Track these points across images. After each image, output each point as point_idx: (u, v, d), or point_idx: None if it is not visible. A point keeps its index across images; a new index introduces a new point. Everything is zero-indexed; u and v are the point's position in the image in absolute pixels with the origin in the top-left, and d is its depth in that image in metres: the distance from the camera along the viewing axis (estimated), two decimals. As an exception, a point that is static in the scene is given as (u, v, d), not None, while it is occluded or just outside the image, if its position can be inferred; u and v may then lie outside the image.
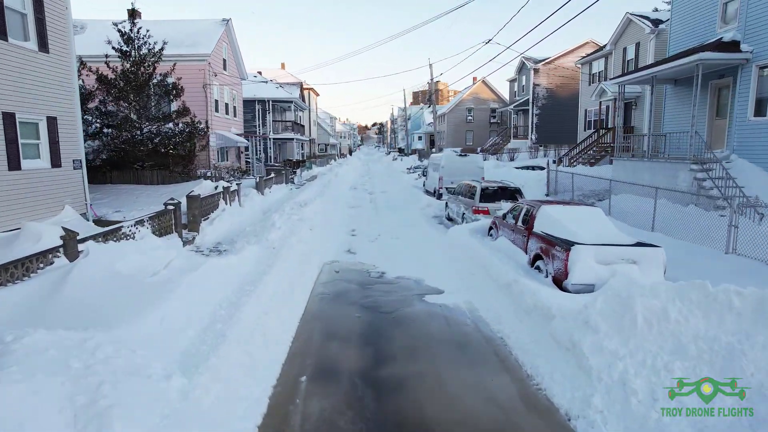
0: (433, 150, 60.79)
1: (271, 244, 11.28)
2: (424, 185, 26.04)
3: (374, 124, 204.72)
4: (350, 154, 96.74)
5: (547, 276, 8.67)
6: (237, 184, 17.97)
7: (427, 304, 8.91)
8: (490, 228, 12.79)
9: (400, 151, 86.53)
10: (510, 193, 15.16)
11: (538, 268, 9.19)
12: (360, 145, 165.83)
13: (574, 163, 24.46)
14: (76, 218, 11.23)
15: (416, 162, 51.35)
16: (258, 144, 35.95)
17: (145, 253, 9.09)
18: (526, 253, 9.92)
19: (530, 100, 40.61)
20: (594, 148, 24.93)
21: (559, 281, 8.22)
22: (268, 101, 35.47)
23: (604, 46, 27.74)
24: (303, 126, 42.08)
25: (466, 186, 16.60)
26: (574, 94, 39.84)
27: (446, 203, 18.60)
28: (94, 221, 12.85)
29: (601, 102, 25.47)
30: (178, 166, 16.85)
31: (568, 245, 8.15)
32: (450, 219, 18.04)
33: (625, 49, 24.57)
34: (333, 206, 20.44)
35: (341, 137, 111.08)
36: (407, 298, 9.26)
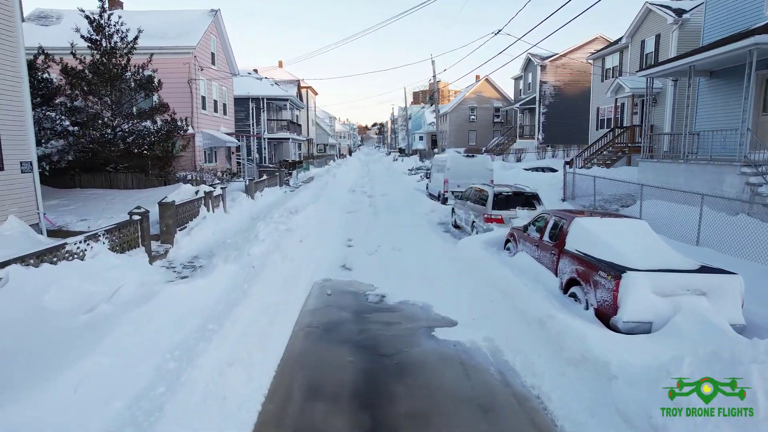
0: (435, 150, 59.07)
1: (250, 262, 9.57)
2: (427, 188, 24.33)
3: (374, 125, 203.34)
4: (350, 155, 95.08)
5: (587, 308, 6.96)
6: (222, 187, 16.27)
7: (437, 342, 7.20)
8: (507, 241, 11.09)
9: (401, 151, 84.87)
10: (527, 199, 13.46)
11: (573, 296, 7.48)
12: (360, 145, 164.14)
13: (589, 165, 22.75)
14: (22, 231, 9.52)
15: (417, 163, 49.69)
16: (252, 144, 34.23)
17: (89, 278, 7.39)
18: (557, 275, 8.22)
19: (537, 99, 38.91)
20: (609, 149, 23.23)
21: (605, 315, 6.53)
22: (263, 99, 33.77)
23: (619, 39, 26.04)
24: (300, 125, 40.39)
25: (475, 191, 14.90)
26: (584, 92, 38.16)
27: (453, 209, 16.90)
28: (50, 232, 11.14)
29: (616, 99, 23.77)
30: (156, 169, 15.17)
31: (617, 271, 6.44)
32: (457, 226, 16.35)
33: (643, 42, 22.86)
34: (328, 212, 18.75)
35: (341, 137, 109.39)
36: (413, 333, 7.55)
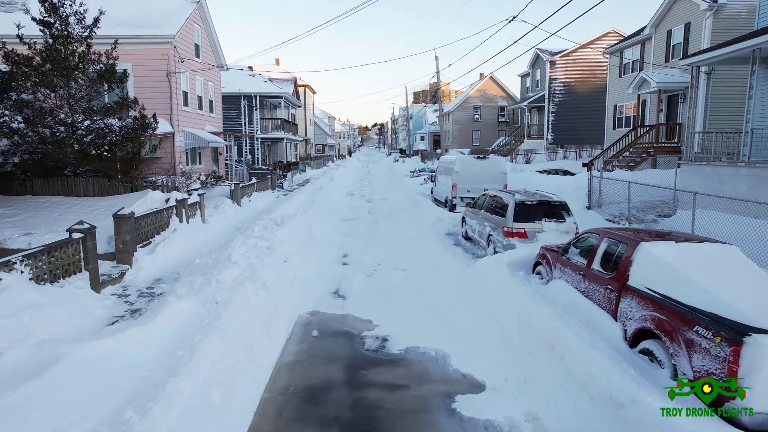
0: (438, 151, 57.03)
1: (215, 294, 7.50)
2: (432, 193, 22.25)
3: (375, 125, 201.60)
4: (349, 155, 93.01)
5: (675, 375, 4.89)
6: (200, 194, 14.20)
7: (461, 422, 5.12)
8: (538, 263, 9.02)
9: (402, 152, 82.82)
10: (553, 209, 11.38)
11: (648, 353, 5.41)
12: (360, 145, 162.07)
13: (610, 167, 20.67)
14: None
15: (420, 164, 47.62)
16: (244, 145, 32.19)
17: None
18: (616, 319, 6.15)
19: (546, 96, 36.83)
20: (630, 150, 21.15)
21: (709, 394, 4.44)
22: (255, 97, 31.70)
23: (640, 30, 23.95)
24: (296, 125, 38.33)
25: (491, 198, 12.84)
26: (597, 89, 36.12)
27: (463, 218, 14.84)
28: (-24, 252, 9.06)
29: (639, 95, 21.70)
30: (124, 173, 13.09)
31: (732, 332, 4.37)
32: (468, 238, 14.30)
33: (669, 32, 20.78)
34: (322, 220, 16.69)
35: (340, 137, 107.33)
36: (426, 403, 5.49)
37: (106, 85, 12.69)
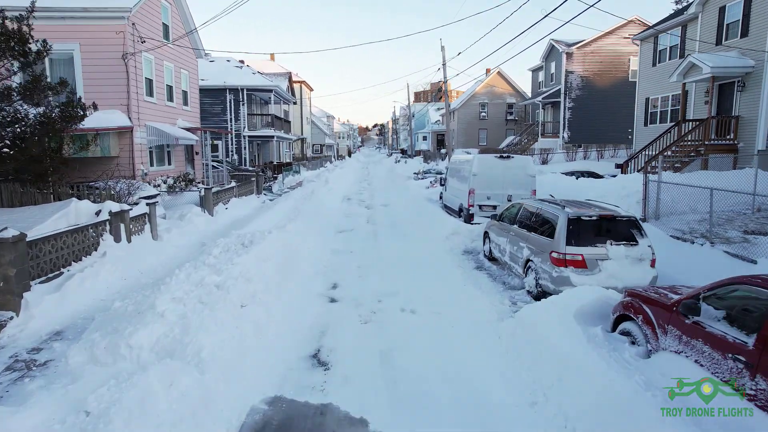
0: (443, 151, 53.86)
1: (97, 390, 4.37)
2: (441, 198, 19.10)
3: (375, 126, 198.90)
4: (349, 156, 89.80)
5: None
6: (151, 203, 11.08)
7: None
8: (624, 317, 5.90)
9: (403, 152, 79.74)
10: (621, 228, 8.24)
11: None
12: (360, 146, 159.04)
13: (654, 169, 17.54)
14: None
15: (424, 165, 44.52)
16: (230, 144, 29.06)
17: None
18: None
19: (561, 91, 33.68)
20: (674, 148, 18.01)
21: None
22: (242, 90, 28.56)
23: (682, 10, 20.81)
24: (289, 122, 35.18)
25: (528, 210, 9.74)
26: (619, 82, 33.04)
27: (486, 233, 11.72)
28: None
29: (684, 84, 18.53)
30: (39, 176, 9.94)
31: None
32: (491, 258, 11.24)
33: (723, 9, 17.62)
34: (310, 233, 13.57)
35: (339, 137, 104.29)
36: None
37: (14, 62, 9.55)
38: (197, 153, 20.73)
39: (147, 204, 10.97)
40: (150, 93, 16.67)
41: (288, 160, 38.52)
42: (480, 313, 7.88)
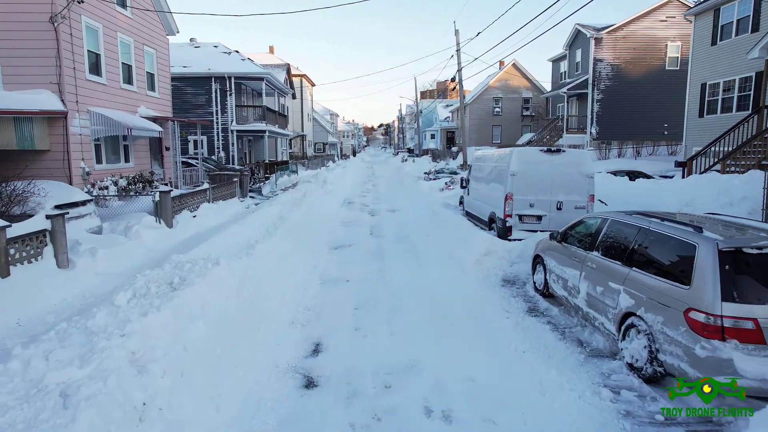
0: (453, 149, 50.29)
1: None
2: (462, 204, 15.57)
3: (380, 125, 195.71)
4: (353, 155, 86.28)
5: None
6: (58, 214, 7.63)
7: None
8: None
9: (410, 151, 76.22)
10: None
11: None
12: (366, 146, 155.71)
13: (732, 168, 13.93)
14: None
15: (434, 164, 41.00)
16: (217, 139, 25.65)
17: None
18: None
19: (589, 81, 30.03)
20: (756, 142, 14.37)
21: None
22: (230, 78, 25.12)
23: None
24: (285, 116, 31.72)
25: (621, 229, 6.26)
26: (655, 71, 29.40)
27: (538, 258, 8.24)
28: None
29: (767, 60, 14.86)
30: None
31: None
32: (548, 294, 7.82)
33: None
34: (293, 251, 10.17)
35: (344, 136, 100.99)
36: None
37: None
38: (167, 148, 17.28)
39: (49, 217, 7.49)
40: (96, 71, 13.23)
41: (285, 159, 35.07)
42: (565, 419, 4.36)
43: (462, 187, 15.08)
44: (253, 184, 23.37)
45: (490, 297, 8.14)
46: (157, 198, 11.65)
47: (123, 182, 13.09)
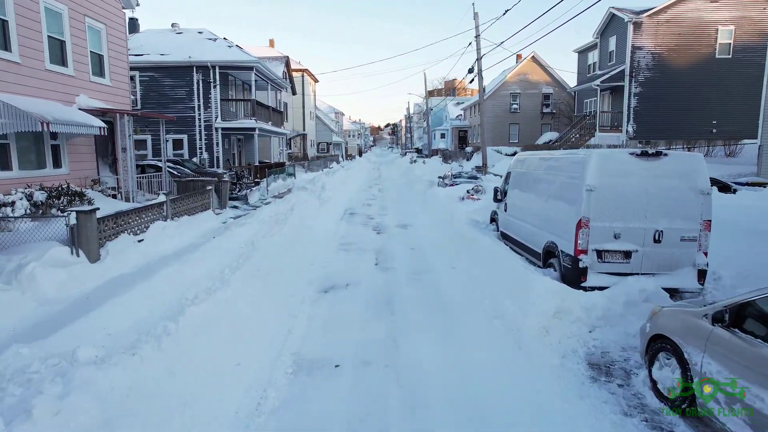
0: (467, 149, 46.61)
1: None
2: (493, 221, 11.97)
3: (387, 125, 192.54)
4: (359, 155, 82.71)
5: None
6: None
7: None
8: None
9: (418, 151, 72.65)
10: None
11: None
12: (372, 146, 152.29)
13: None
14: None
15: (445, 166, 37.41)
16: (200, 138, 22.25)
17: None
18: None
19: (626, 72, 26.33)
20: None
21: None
22: (214, 67, 21.68)
23: None
24: (281, 113, 28.22)
25: None
26: (703, 60, 25.71)
27: (678, 352, 4.57)
28: None
29: None
30: None
31: None
32: (690, 411, 3.99)
33: None
34: (255, 307, 6.68)
35: (349, 136, 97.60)
36: None
37: None
38: (124, 149, 13.82)
39: None
40: (3, 45, 9.78)
41: (282, 160, 31.63)
42: None
43: (496, 200, 11.47)
44: (238, 191, 19.95)
45: (579, 410, 4.59)
46: (73, 220, 8.16)
47: (41, 196, 9.65)
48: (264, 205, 17.57)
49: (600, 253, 7.14)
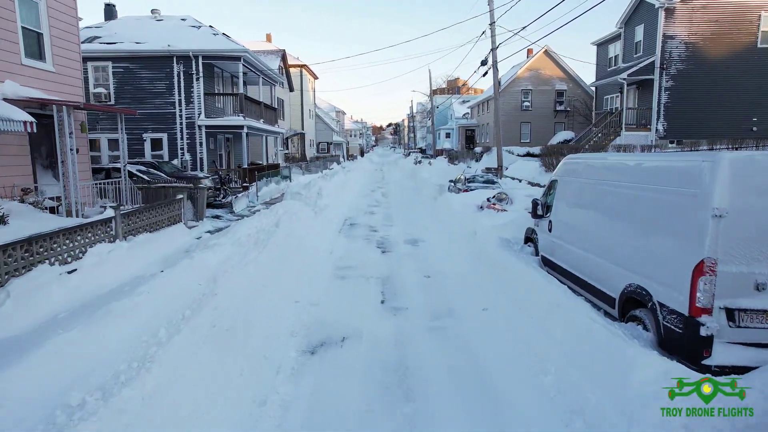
0: (476, 149, 44.05)
1: None
2: (531, 243, 9.35)
3: (389, 125, 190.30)
4: (361, 155, 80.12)
5: None
6: None
7: None
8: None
9: (422, 151, 70.19)
10: None
11: None
12: (374, 145, 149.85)
13: None
14: None
15: (449, 166, 34.93)
16: (182, 138, 19.79)
17: None
18: None
19: (656, 65, 23.78)
20: None
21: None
22: (197, 57, 19.20)
23: None
24: (275, 109, 25.68)
25: None
26: (744, 50, 23.18)
27: None
28: None
29: None
30: None
31: None
32: None
33: None
34: (203, 394, 4.03)
35: (351, 136, 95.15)
36: None
37: None
38: (75, 150, 11.29)
39: None
40: None
41: (278, 161, 29.15)
42: None
43: (536, 215, 8.94)
44: (222, 198, 17.50)
45: None
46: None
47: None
48: (252, 215, 15.09)
49: (732, 314, 4.62)
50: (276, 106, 26.77)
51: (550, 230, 8.31)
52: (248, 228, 10.86)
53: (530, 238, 9.49)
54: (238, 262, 8.12)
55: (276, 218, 11.29)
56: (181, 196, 12.32)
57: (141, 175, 14.45)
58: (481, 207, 14.78)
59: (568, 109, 39.72)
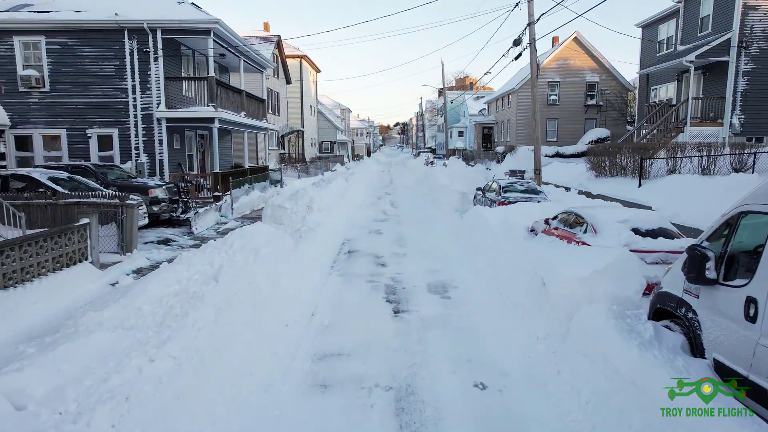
0: (498, 149, 39.51)
1: None
2: (680, 324, 4.91)
3: (396, 124, 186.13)
4: (368, 156, 75.56)
5: None
6: None
7: None
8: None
9: (432, 151, 65.78)
10: None
11: None
12: (381, 145, 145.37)
13: None
14: None
15: (467, 168, 30.52)
16: (135, 134, 15.55)
17: None
18: None
19: (732, 44, 19.20)
20: None
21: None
22: (153, 31, 14.96)
23: None
24: (261, 101, 21.24)
25: None
26: None
27: None
28: None
29: None
30: None
31: None
32: None
33: None
34: None
35: (356, 134, 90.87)
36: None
37: None
38: None
39: None
40: None
41: (267, 164, 24.86)
42: None
43: (701, 278, 4.45)
44: (182, 213, 13.25)
45: None
46: None
47: None
48: (218, 236, 10.83)
49: None
50: (265, 98, 22.44)
51: (751, 315, 3.86)
52: (176, 278, 6.49)
53: (674, 314, 5.04)
54: (164, 329, 3.77)
55: (218, 265, 6.91)
56: (86, 220, 8.03)
57: (52, 185, 10.21)
58: (533, 230, 10.38)
59: (601, 103, 35.15)
